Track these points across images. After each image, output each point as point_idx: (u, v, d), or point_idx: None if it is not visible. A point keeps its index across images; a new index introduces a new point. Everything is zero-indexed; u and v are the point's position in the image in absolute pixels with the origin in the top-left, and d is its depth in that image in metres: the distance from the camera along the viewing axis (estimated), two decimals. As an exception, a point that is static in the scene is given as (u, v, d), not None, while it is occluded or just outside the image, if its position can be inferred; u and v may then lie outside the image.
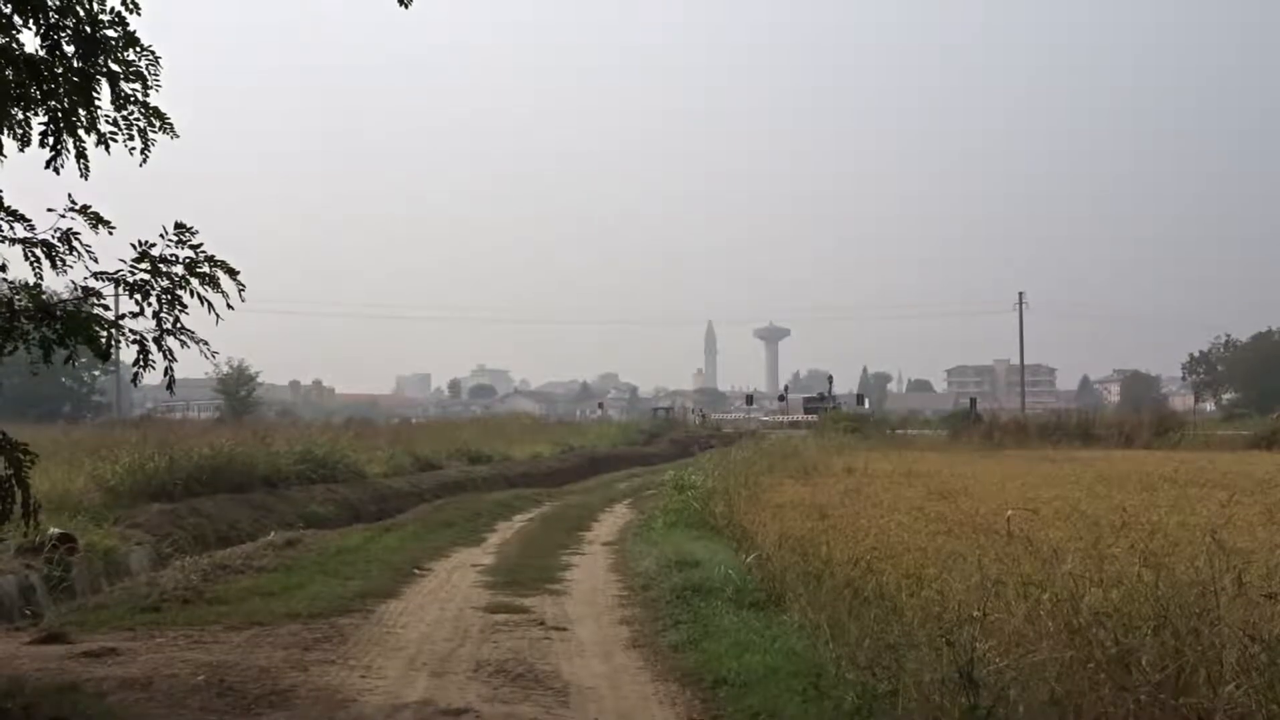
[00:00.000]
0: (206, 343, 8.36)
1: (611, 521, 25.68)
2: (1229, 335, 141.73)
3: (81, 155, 8.11)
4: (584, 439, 62.01)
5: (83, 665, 10.31)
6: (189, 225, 8.07)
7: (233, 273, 8.29)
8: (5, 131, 7.97)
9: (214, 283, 8.21)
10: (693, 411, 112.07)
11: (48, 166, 8.02)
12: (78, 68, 8.02)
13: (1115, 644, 7.37)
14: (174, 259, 8.08)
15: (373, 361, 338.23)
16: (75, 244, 7.94)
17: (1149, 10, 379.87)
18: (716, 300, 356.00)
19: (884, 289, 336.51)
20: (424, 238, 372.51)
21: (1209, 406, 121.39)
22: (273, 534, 20.96)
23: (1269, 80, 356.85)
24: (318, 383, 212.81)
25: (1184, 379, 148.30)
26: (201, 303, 8.19)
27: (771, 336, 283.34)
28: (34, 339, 7.90)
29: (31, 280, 8.00)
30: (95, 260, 8.02)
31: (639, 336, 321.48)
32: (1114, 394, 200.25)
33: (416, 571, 17.16)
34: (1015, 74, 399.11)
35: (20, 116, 8.02)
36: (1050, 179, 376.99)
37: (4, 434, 8.13)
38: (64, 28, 7.95)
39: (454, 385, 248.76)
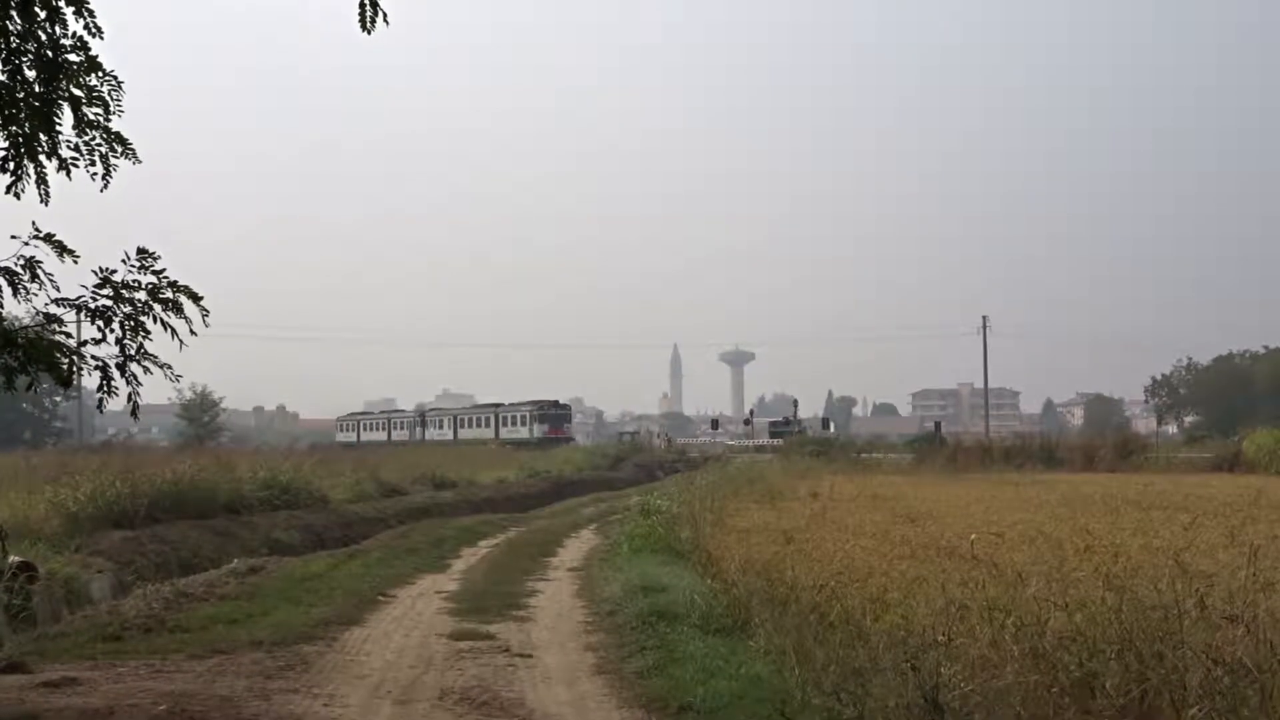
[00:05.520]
0: (170, 366, 8.32)
1: (577, 547, 25.61)
2: (1190, 358, 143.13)
3: (42, 180, 8.06)
4: (549, 464, 61.83)
5: (42, 695, 10.19)
6: (151, 250, 8.03)
7: (196, 298, 8.25)
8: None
9: (177, 309, 8.17)
10: (658, 435, 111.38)
11: (8, 192, 7.96)
12: (39, 93, 7.96)
13: (1079, 668, 7.42)
14: (136, 285, 8.04)
15: (337, 387, 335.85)
16: (38, 272, 7.90)
17: (1116, 33, 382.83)
18: (682, 324, 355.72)
19: (849, 313, 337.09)
20: (388, 263, 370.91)
21: (1171, 429, 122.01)
22: (236, 561, 20.83)
23: (1233, 106, 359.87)
24: (281, 408, 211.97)
25: (1146, 402, 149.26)
26: (165, 329, 8.14)
27: (737, 360, 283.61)
28: (-4, 367, 7.84)
29: (-8, 308, 7.95)
30: (57, 289, 7.98)
31: (605, 360, 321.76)
32: (1077, 417, 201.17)
33: (381, 598, 17.07)
34: (978, 97, 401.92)
35: (-21, 142, 7.97)
36: (1014, 203, 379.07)
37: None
38: (25, 52, 7.90)
39: (419, 410, 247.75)
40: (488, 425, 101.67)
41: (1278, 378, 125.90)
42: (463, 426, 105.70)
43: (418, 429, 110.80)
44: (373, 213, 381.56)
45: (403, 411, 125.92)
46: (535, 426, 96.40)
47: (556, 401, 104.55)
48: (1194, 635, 7.45)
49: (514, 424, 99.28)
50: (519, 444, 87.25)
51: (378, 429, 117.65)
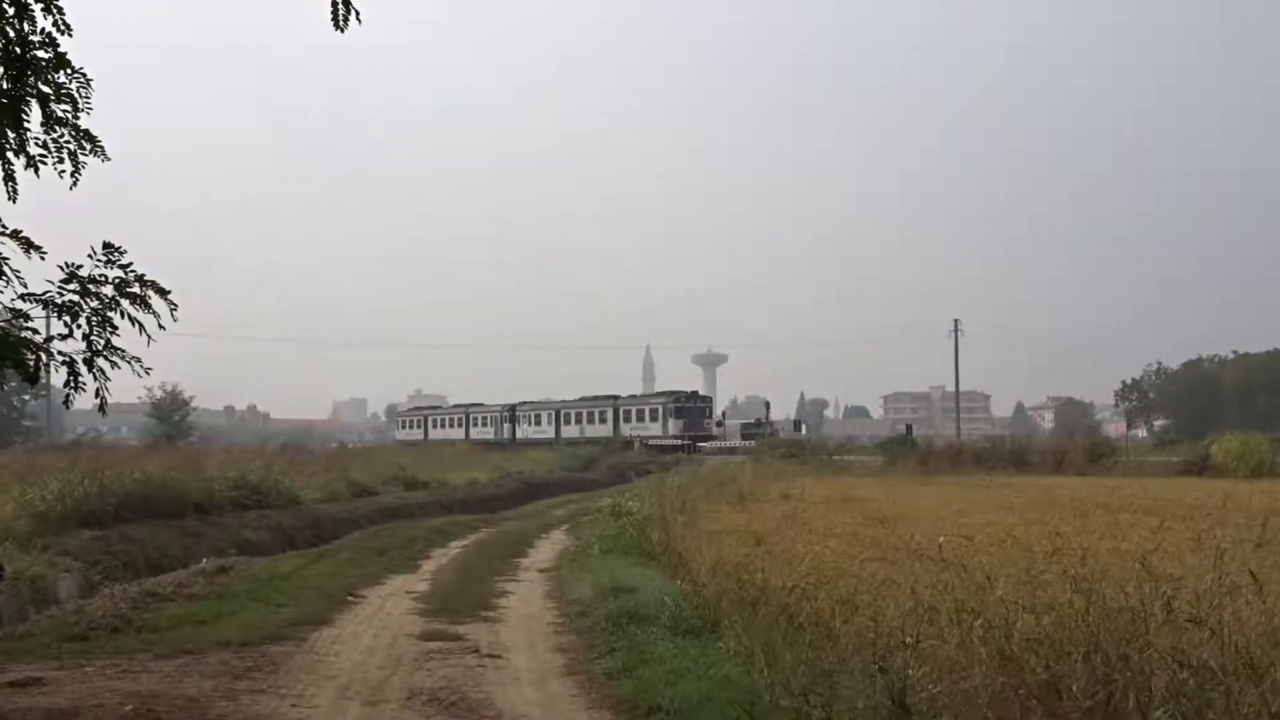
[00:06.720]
0: (139, 359, 8.29)
1: (548, 548, 25.57)
2: (1160, 363, 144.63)
3: (10, 178, 8.02)
4: (521, 464, 61.79)
5: (6, 696, 10.12)
6: (118, 245, 8.01)
7: (163, 292, 8.24)
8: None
9: (144, 303, 8.15)
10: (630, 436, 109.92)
11: (-26, 189, 7.93)
12: (7, 89, 7.93)
13: (1046, 670, 7.44)
14: (103, 279, 8.03)
15: (308, 387, 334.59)
16: (3, 268, 7.86)
17: (1082, 33, 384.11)
18: (654, 326, 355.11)
19: (821, 315, 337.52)
20: (359, 263, 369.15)
21: (1141, 433, 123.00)
22: (205, 561, 20.74)
23: (1211, 106, 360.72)
24: (253, 408, 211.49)
25: (1117, 405, 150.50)
26: (133, 324, 8.12)
27: (709, 362, 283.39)
28: (-39, 364, 7.80)
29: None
30: (25, 285, 7.95)
31: (577, 361, 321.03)
32: (1048, 420, 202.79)
33: (350, 598, 17.02)
34: (950, 97, 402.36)
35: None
36: (986, 205, 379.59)
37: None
38: (-8, 48, 7.86)
39: (391, 411, 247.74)
40: (603, 421, 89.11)
41: (1246, 382, 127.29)
42: (568, 423, 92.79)
43: (506, 425, 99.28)
44: (340, 215, 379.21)
45: (483, 405, 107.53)
46: (671, 422, 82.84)
47: (696, 392, 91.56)
48: (1160, 638, 7.49)
49: (642, 419, 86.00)
50: (652, 444, 78.05)
51: (452, 425, 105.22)
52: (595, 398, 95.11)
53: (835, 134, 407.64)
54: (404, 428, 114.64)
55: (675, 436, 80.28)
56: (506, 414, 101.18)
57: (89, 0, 8.62)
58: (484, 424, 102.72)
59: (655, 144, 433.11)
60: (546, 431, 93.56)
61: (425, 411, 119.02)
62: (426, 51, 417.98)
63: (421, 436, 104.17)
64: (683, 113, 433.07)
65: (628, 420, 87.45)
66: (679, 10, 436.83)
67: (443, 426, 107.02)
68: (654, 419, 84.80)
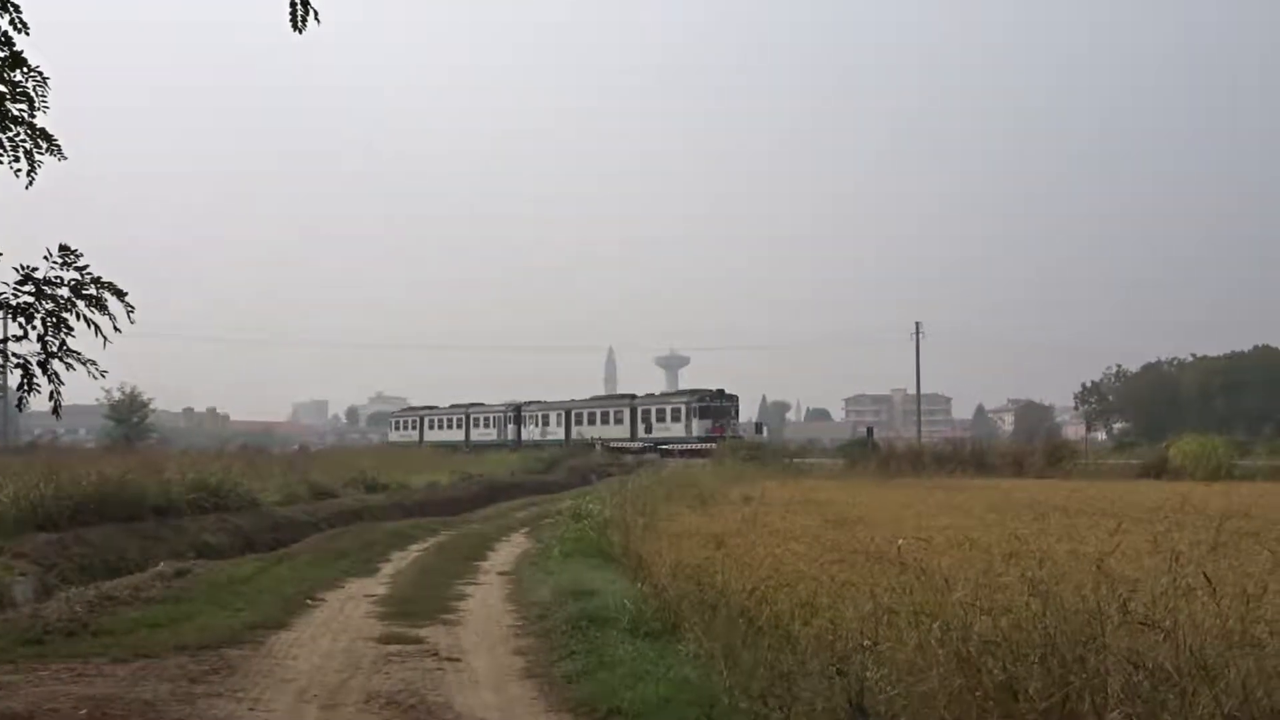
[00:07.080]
0: (95, 362, 8.25)
1: (508, 551, 25.53)
2: (1120, 366, 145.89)
3: (-36, 176, 7.97)
4: (483, 467, 61.67)
5: (-40, 700, 10.04)
6: (74, 247, 7.96)
7: (120, 294, 8.19)
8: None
9: (101, 305, 8.11)
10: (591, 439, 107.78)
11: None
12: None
13: (1003, 672, 7.47)
14: (59, 281, 7.97)
15: (268, 389, 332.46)
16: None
17: (1055, 37, 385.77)
18: (617, 328, 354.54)
19: (783, 318, 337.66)
20: (317, 265, 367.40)
21: (1100, 436, 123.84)
22: (162, 564, 20.58)
23: (1171, 107, 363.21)
24: (212, 410, 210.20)
25: (1076, 408, 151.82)
26: (89, 325, 8.07)
27: (672, 364, 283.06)
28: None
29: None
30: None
31: (539, 363, 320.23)
32: (1008, 423, 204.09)
33: (309, 602, 16.93)
34: (910, 100, 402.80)
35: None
36: (946, 207, 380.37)
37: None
38: (-54, 47, 7.80)
39: (351, 413, 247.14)
40: (619, 422, 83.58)
41: (1204, 385, 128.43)
42: (579, 423, 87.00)
43: (510, 426, 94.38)
44: (298, 215, 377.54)
45: (484, 405, 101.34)
46: (695, 423, 76.89)
47: (721, 391, 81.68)
48: (1116, 640, 7.53)
49: (663, 419, 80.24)
50: (673, 447, 73.13)
51: (450, 426, 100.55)
52: (611, 397, 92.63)
53: (797, 136, 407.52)
54: (398, 429, 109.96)
55: (700, 438, 74.61)
56: (511, 414, 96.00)
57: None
58: (486, 425, 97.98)
59: (623, 145, 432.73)
60: (556, 433, 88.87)
61: (421, 412, 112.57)
62: (389, 49, 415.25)
63: (417, 439, 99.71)
64: (645, 113, 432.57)
65: (645, 420, 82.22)
66: (665, 10, 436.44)
67: (441, 428, 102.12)
68: (676, 419, 79.20)
